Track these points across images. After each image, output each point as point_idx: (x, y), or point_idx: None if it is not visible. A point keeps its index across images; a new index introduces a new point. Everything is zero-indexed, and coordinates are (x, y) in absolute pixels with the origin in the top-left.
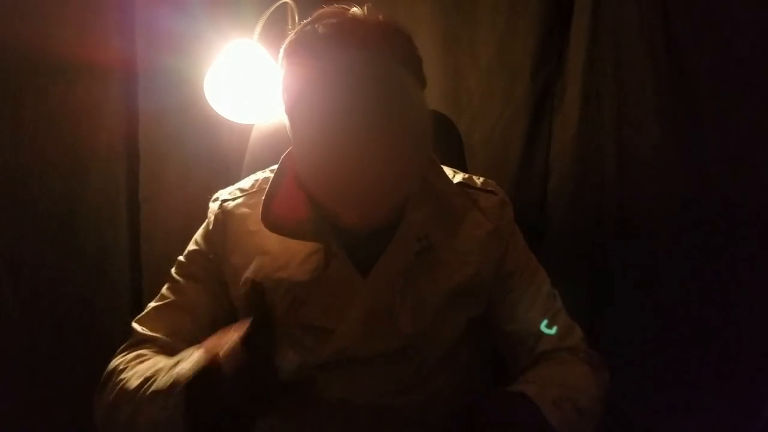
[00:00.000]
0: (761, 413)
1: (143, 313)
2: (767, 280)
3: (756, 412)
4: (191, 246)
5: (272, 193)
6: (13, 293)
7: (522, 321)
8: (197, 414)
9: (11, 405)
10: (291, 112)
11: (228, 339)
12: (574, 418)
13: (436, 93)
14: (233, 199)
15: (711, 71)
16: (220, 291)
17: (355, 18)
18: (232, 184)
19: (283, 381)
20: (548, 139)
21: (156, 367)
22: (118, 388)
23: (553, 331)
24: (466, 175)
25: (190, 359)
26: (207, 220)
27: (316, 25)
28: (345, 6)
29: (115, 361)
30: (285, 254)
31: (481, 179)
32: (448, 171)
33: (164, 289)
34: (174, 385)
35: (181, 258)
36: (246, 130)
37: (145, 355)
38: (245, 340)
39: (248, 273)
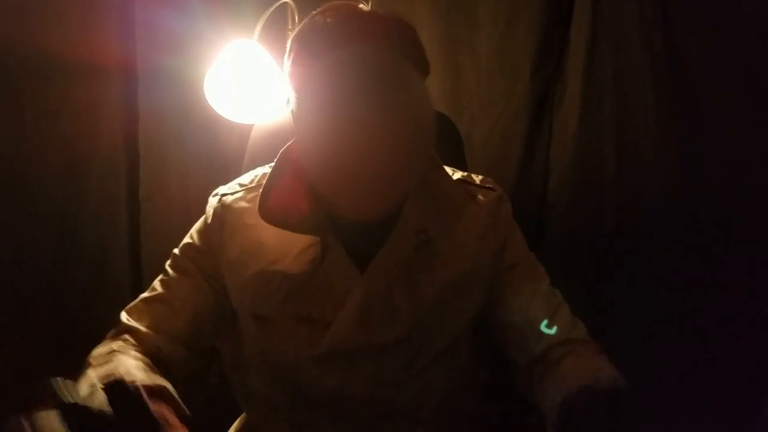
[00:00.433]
0: (761, 413)
1: (133, 303)
2: (767, 279)
3: (756, 412)
4: (187, 240)
5: (270, 186)
6: (13, 293)
7: (523, 313)
8: None
9: (11, 404)
10: (297, 101)
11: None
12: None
13: (436, 93)
14: (232, 194)
15: (711, 71)
16: (208, 286)
17: (362, 11)
18: None
19: None
20: (548, 139)
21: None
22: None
23: (553, 331)
24: (465, 174)
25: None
26: (205, 214)
27: (325, 17)
28: (353, 1)
29: (94, 352)
30: (281, 247)
31: (480, 177)
32: (447, 170)
33: (156, 281)
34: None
35: (176, 251)
36: (246, 130)
37: (117, 351)
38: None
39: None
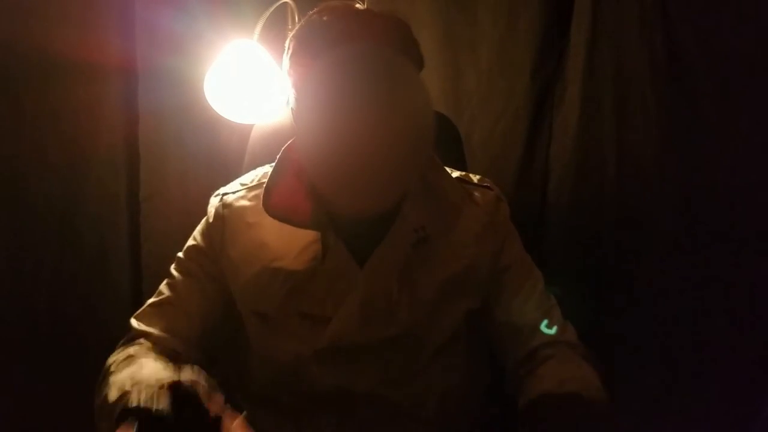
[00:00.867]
0: (761, 413)
1: (141, 309)
2: (767, 279)
3: (756, 413)
4: (190, 242)
5: (272, 183)
6: (13, 293)
7: (517, 313)
8: None
9: (11, 405)
10: (296, 100)
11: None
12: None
13: (436, 93)
14: (233, 193)
15: (711, 71)
16: (214, 288)
17: (358, 10)
18: None
19: None
20: (548, 139)
21: (133, 378)
22: (102, 395)
23: (553, 331)
24: (463, 173)
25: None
26: (207, 215)
27: (321, 16)
28: (347, 1)
29: (110, 360)
30: (283, 245)
31: (478, 177)
32: (447, 169)
33: (162, 285)
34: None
35: (180, 254)
36: (246, 130)
37: (134, 356)
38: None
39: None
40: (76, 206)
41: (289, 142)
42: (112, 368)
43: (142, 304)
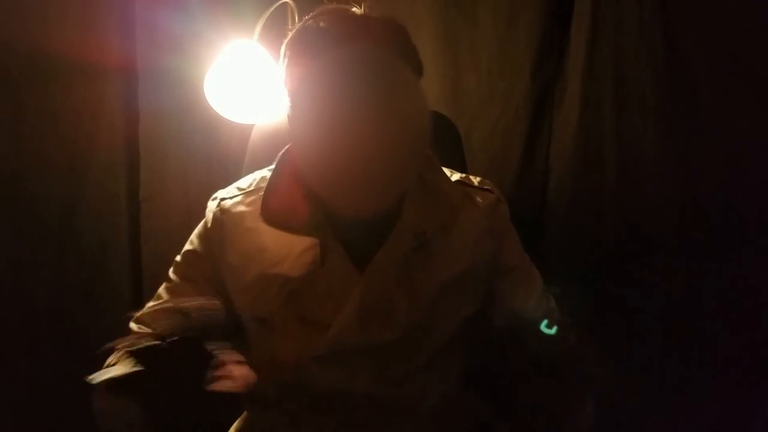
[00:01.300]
0: (761, 414)
1: (140, 312)
2: (767, 279)
3: (755, 413)
4: (187, 246)
5: (271, 189)
6: (13, 292)
7: (517, 316)
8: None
9: (12, 404)
10: (293, 104)
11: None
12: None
13: (436, 93)
14: (231, 198)
15: (711, 71)
16: (212, 291)
17: (355, 14)
18: (232, 183)
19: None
20: (548, 139)
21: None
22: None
23: (553, 331)
24: (463, 175)
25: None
26: (205, 219)
27: (318, 21)
28: (345, 5)
29: (110, 358)
30: (281, 250)
31: (478, 178)
32: (446, 171)
33: (161, 289)
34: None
35: (177, 258)
36: (246, 130)
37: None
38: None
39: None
40: (77, 206)
41: (285, 148)
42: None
43: (143, 303)
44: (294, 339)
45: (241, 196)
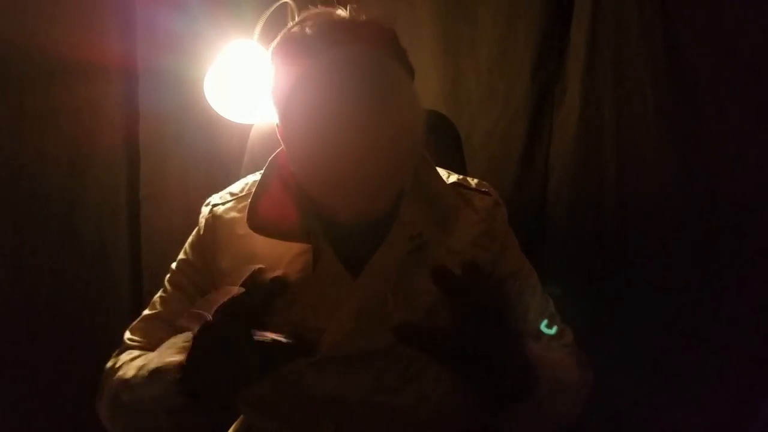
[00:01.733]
0: (759, 413)
1: (135, 322)
2: (767, 277)
3: (754, 413)
4: (181, 255)
5: (258, 195)
6: (14, 292)
7: (519, 321)
8: (191, 382)
9: (12, 404)
10: (282, 109)
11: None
12: (554, 381)
13: (436, 93)
14: (223, 204)
15: (711, 71)
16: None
17: (341, 17)
18: (232, 183)
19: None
20: (548, 139)
21: (148, 357)
22: (116, 380)
23: (553, 331)
24: (461, 177)
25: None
26: (198, 226)
27: (303, 26)
28: (330, 8)
29: (110, 363)
30: (273, 256)
31: (476, 180)
32: (443, 172)
33: (156, 298)
34: (167, 361)
35: (173, 266)
36: (246, 130)
37: (136, 355)
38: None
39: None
40: (77, 205)
41: (275, 153)
42: (117, 365)
43: (142, 303)
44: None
45: (233, 202)
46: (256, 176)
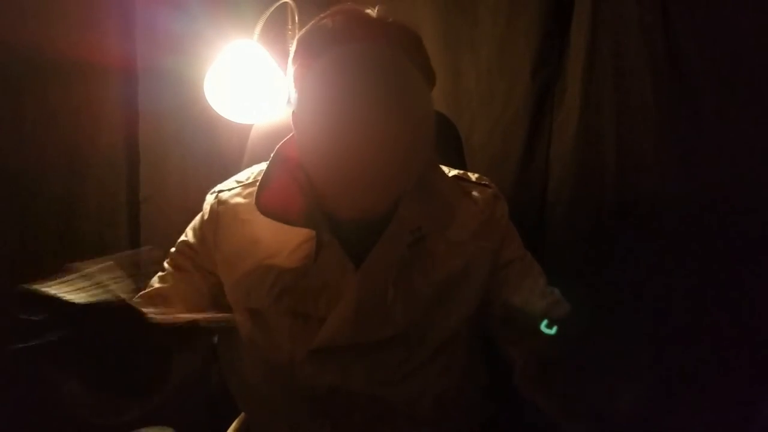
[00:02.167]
0: (759, 414)
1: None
2: (766, 277)
3: (754, 413)
4: (182, 237)
5: (266, 180)
6: (14, 292)
7: (520, 310)
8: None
9: (12, 404)
10: (298, 100)
11: None
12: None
13: (436, 93)
14: (229, 190)
15: (711, 71)
16: (203, 282)
17: (369, 16)
18: None
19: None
20: (548, 139)
21: None
22: None
23: (553, 331)
24: (461, 171)
25: None
26: (202, 211)
27: (330, 20)
28: (359, 6)
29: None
30: (276, 243)
31: (476, 175)
32: (443, 168)
33: (154, 277)
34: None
35: (172, 249)
36: (245, 130)
37: None
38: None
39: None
40: (76, 206)
41: (284, 140)
42: None
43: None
44: (287, 333)
45: (239, 188)
46: (262, 165)
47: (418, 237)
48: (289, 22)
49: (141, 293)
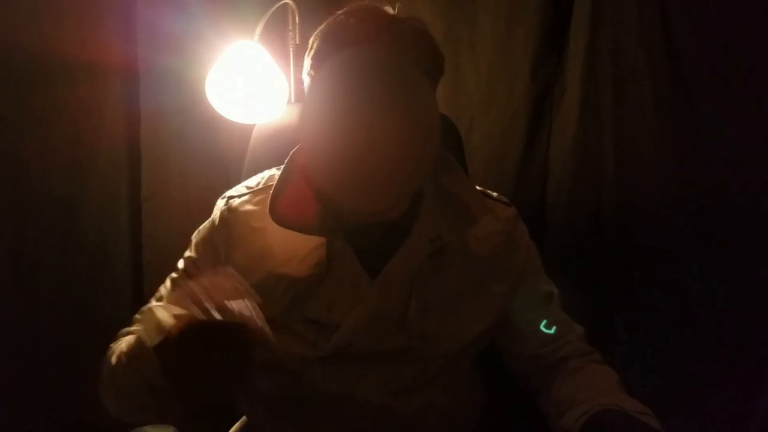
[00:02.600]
0: (757, 411)
1: (137, 315)
2: (766, 278)
3: (752, 410)
4: (189, 252)
5: (280, 188)
6: (15, 292)
7: (540, 344)
8: (171, 370)
9: (12, 403)
10: (308, 98)
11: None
12: (651, 420)
13: (436, 93)
14: (239, 197)
15: (710, 71)
16: None
17: (385, 14)
18: (233, 183)
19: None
20: (547, 140)
21: (135, 333)
22: (105, 368)
23: (552, 331)
24: (480, 188)
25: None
26: (212, 217)
27: (345, 17)
28: (376, 4)
29: (108, 353)
30: (288, 251)
31: (495, 193)
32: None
33: (161, 289)
34: (141, 346)
35: (179, 263)
36: (246, 130)
37: (129, 331)
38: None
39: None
40: (78, 206)
41: (296, 147)
42: (109, 352)
43: (143, 303)
44: (300, 339)
45: (248, 195)
46: (273, 171)
47: (439, 246)
48: (290, 23)
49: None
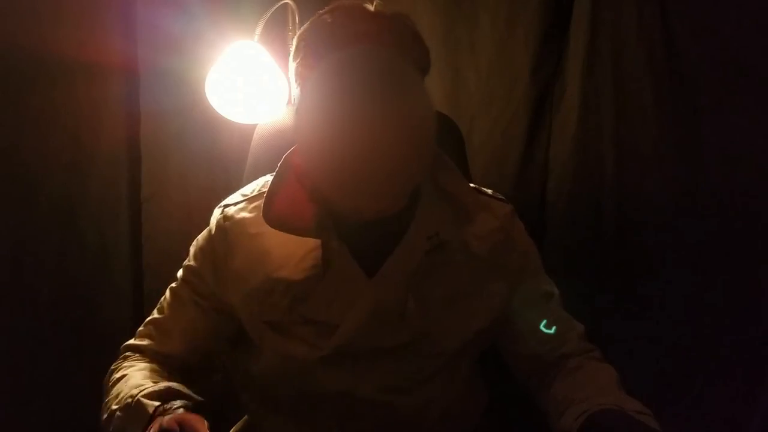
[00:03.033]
0: (758, 411)
1: (141, 327)
2: (766, 278)
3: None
4: (188, 261)
5: (274, 191)
6: (14, 293)
7: (539, 343)
8: None
9: (12, 403)
10: (300, 100)
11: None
12: (650, 420)
13: (436, 93)
14: (235, 204)
15: (710, 71)
16: (200, 320)
17: (366, 11)
18: (233, 184)
19: None
20: (547, 139)
21: (125, 386)
22: (105, 395)
23: (552, 330)
24: (474, 185)
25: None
26: (209, 227)
27: (329, 17)
28: (356, 1)
29: (112, 366)
30: (284, 254)
31: (491, 190)
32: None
33: (162, 300)
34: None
35: (179, 273)
36: (247, 131)
37: (125, 370)
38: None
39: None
40: (78, 206)
41: (290, 150)
42: (113, 367)
43: (143, 303)
44: (301, 339)
45: (244, 203)
46: (267, 178)
47: (436, 244)
48: (290, 23)
49: (149, 320)
